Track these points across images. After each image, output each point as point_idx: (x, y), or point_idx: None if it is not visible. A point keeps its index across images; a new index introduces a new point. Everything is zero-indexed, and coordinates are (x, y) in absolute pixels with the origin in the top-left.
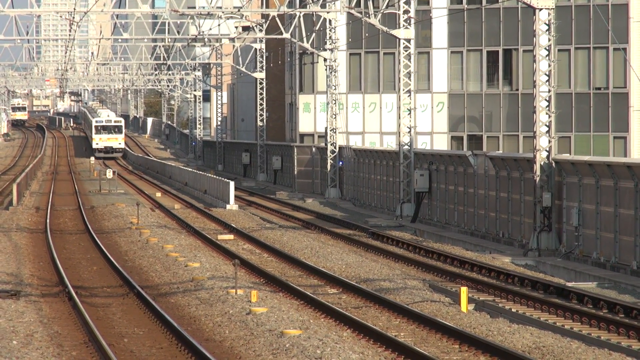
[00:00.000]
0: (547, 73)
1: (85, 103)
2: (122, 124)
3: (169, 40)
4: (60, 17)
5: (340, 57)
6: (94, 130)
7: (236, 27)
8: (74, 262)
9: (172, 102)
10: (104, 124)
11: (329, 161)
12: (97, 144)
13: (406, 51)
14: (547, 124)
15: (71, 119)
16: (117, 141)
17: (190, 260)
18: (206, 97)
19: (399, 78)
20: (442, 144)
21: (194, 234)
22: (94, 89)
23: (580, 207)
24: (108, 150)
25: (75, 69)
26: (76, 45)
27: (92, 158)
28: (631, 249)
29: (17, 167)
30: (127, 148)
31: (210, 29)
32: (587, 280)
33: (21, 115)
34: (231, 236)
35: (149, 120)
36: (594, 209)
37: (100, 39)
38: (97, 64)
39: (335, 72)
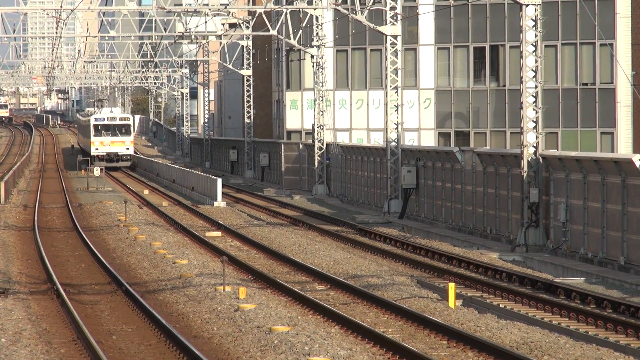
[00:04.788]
0: (534, 69)
1: (73, 102)
2: (131, 122)
3: (156, 37)
4: (47, 14)
5: (327, 53)
6: (92, 131)
7: (223, 24)
8: (62, 260)
9: (159, 99)
10: (106, 122)
11: (317, 158)
12: (96, 149)
13: (393, 47)
14: (534, 119)
15: (58, 117)
16: (123, 145)
17: (178, 257)
18: (193, 95)
19: (386, 74)
20: (429, 140)
21: (181, 231)
22: (81, 86)
23: (567, 203)
24: (112, 157)
25: (62, 66)
26: (63, 42)
27: (80, 156)
28: (618, 244)
29: (5, 165)
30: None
31: (197, 26)
32: (574, 275)
33: (2, 112)
34: (219, 233)
35: (136, 118)
36: (581, 204)
37: (87, 37)
38: (84, 61)
39: (322, 68)
